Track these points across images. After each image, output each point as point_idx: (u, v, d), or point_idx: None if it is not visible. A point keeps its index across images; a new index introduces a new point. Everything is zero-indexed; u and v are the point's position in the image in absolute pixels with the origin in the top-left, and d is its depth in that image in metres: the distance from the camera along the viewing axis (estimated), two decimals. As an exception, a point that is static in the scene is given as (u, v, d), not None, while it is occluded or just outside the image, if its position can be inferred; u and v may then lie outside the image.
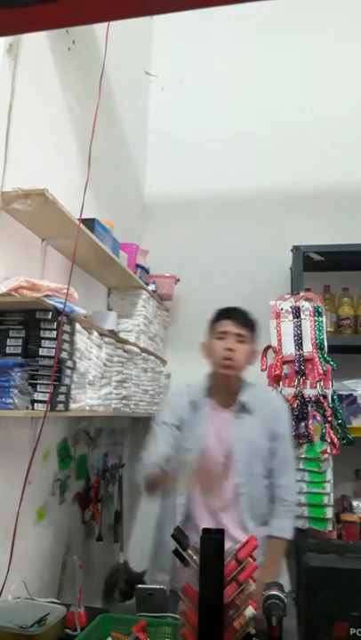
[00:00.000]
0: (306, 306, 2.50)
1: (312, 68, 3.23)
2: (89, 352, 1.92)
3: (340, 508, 2.58)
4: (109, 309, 2.67)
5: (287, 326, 2.50)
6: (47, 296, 1.62)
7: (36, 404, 1.58)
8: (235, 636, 1.32)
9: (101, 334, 2.06)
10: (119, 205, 2.85)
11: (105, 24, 2.16)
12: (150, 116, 3.50)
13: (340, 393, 2.54)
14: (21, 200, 1.62)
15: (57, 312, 1.62)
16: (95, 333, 1.99)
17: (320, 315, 2.49)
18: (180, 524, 1.80)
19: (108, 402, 2.13)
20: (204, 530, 1.35)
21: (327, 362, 2.42)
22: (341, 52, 3.20)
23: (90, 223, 1.99)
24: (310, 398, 2.38)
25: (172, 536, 1.44)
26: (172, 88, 3.46)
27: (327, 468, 2.33)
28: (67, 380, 1.71)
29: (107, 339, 2.12)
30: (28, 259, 1.91)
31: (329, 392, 2.39)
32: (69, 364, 1.73)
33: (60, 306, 1.63)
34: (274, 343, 2.50)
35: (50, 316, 1.62)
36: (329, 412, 2.36)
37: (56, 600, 1.81)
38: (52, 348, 1.61)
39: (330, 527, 2.30)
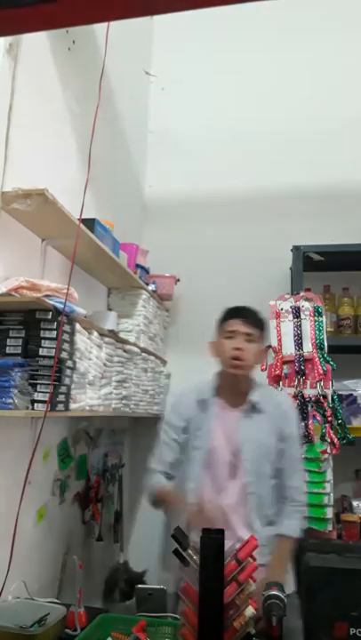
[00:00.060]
0: (306, 306, 2.50)
1: (312, 68, 3.23)
2: (89, 352, 1.92)
3: (340, 508, 2.58)
4: (109, 309, 2.67)
5: (287, 326, 2.50)
6: (47, 296, 1.62)
7: (36, 404, 1.58)
8: (235, 635, 1.33)
9: (101, 334, 2.06)
10: (119, 205, 2.85)
11: (105, 24, 2.15)
12: (150, 116, 3.50)
13: (340, 393, 2.54)
14: (21, 200, 1.62)
15: (57, 312, 1.62)
16: (95, 333, 1.99)
17: (320, 315, 2.49)
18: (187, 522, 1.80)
19: (108, 402, 2.13)
20: (204, 530, 1.35)
21: (327, 362, 2.42)
22: (342, 53, 3.20)
23: (90, 223, 1.99)
24: (310, 398, 2.38)
25: (172, 536, 1.44)
26: (172, 88, 3.46)
27: (327, 468, 2.33)
28: (67, 380, 1.71)
29: (107, 339, 2.12)
30: (28, 259, 1.91)
31: (329, 392, 2.39)
32: (69, 364, 1.73)
33: (60, 306, 1.63)
34: (274, 343, 2.50)
35: (50, 316, 1.62)
36: (329, 412, 2.36)
37: (56, 600, 1.81)
38: (52, 348, 1.61)
39: (330, 527, 2.30)
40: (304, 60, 3.24)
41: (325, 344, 2.46)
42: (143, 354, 2.65)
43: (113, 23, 2.11)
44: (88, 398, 1.92)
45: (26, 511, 1.72)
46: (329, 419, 2.35)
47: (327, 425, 2.34)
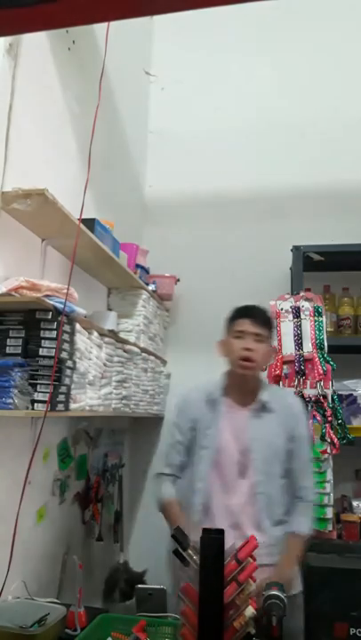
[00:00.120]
0: (306, 306, 2.50)
1: (312, 69, 3.23)
2: (89, 352, 1.92)
3: (340, 508, 2.58)
4: (109, 309, 2.67)
5: (287, 326, 2.50)
6: (47, 296, 1.62)
7: (36, 404, 1.58)
8: (235, 635, 1.33)
9: (101, 334, 2.06)
10: (119, 205, 2.85)
11: (105, 24, 2.15)
12: (150, 116, 3.50)
13: (340, 393, 2.54)
14: (21, 200, 1.62)
15: (57, 312, 1.62)
16: (95, 333, 1.99)
17: (320, 315, 2.49)
18: (196, 522, 1.80)
19: (108, 402, 2.13)
20: (204, 530, 1.35)
21: (327, 362, 2.42)
22: (342, 53, 3.20)
23: (90, 223, 1.99)
24: (310, 398, 2.38)
25: (172, 536, 1.45)
26: (172, 88, 3.46)
27: (327, 468, 2.33)
28: (67, 380, 1.71)
29: (107, 339, 2.12)
30: (28, 259, 1.91)
31: (329, 392, 2.39)
32: (69, 364, 1.73)
33: (60, 306, 1.63)
34: (274, 343, 2.50)
35: (50, 316, 1.62)
36: (329, 412, 2.36)
37: (56, 600, 1.81)
38: (52, 348, 1.61)
39: (330, 527, 2.30)
40: (304, 60, 3.24)
41: (325, 344, 2.46)
42: (143, 354, 2.65)
43: (113, 23, 2.11)
44: (88, 398, 1.92)
45: (26, 511, 1.72)
46: (329, 419, 2.35)
47: (327, 425, 2.34)
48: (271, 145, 3.22)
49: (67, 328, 1.68)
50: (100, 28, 2.30)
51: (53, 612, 1.59)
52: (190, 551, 1.40)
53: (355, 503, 2.57)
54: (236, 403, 1.93)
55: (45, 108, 2.00)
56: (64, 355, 1.67)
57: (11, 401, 1.51)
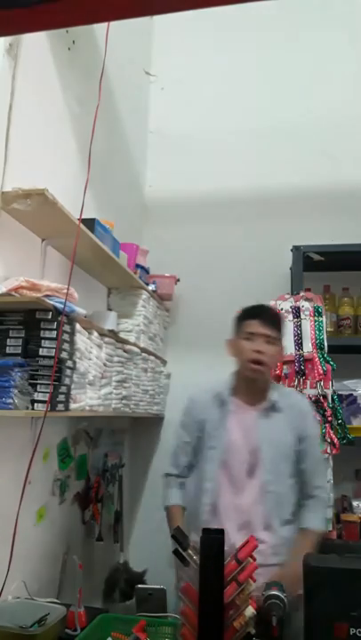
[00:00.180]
0: (306, 306, 2.50)
1: (312, 68, 3.23)
2: (89, 352, 1.92)
3: (340, 508, 2.59)
4: (109, 309, 2.67)
5: (287, 326, 2.50)
6: (47, 296, 1.62)
7: (36, 404, 1.58)
8: (235, 635, 1.33)
9: (101, 334, 2.06)
10: (119, 205, 2.85)
11: (105, 24, 2.15)
12: (150, 116, 3.50)
13: (340, 393, 2.54)
14: (21, 200, 1.62)
15: (57, 312, 1.62)
16: (95, 333, 1.99)
17: (320, 315, 2.49)
18: (204, 521, 1.81)
19: (108, 402, 2.13)
20: (204, 530, 1.36)
21: (327, 362, 2.42)
22: (342, 53, 3.20)
23: (90, 223, 1.99)
24: (310, 398, 2.38)
25: (172, 536, 1.45)
26: (172, 88, 3.46)
27: (327, 468, 2.33)
28: (67, 380, 1.71)
29: (107, 339, 2.12)
30: (28, 259, 1.90)
31: (329, 392, 2.39)
32: (69, 364, 1.73)
33: (60, 306, 1.63)
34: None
35: (50, 316, 1.62)
36: (329, 412, 2.36)
37: (56, 600, 1.81)
38: (52, 348, 1.61)
39: (330, 527, 2.30)
40: (304, 60, 3.24)
41: (325, 344, 2.46)
42: (143, 354, 2.65)
43: (113, 23, 2.11)
44: (88, 398, 1.92)
45: (26, 511, 1.72)
46: (329, 419, 2.35)
47: (327, 425, 2.34)
48: (271, 145, 3.22)
49: (67, 328, 1.68)
50: (100, 28, 2.30)
51: (53, 612, 1.59)
52: (190, 551, 1.40)
53: (355, 503, 2.57)
54: (244, 402, 1.94)
55: (45, 108, 2.00)
56: (64, 355, 1.67)
57: (11, 401, 1.51)
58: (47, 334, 1.62)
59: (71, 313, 1.71)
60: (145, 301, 2.76)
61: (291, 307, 2.52)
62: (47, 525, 2.05)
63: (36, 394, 1.59)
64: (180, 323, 3.27)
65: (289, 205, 3.18)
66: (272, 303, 2.53)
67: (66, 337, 1.68)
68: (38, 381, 1.60)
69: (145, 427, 3.17)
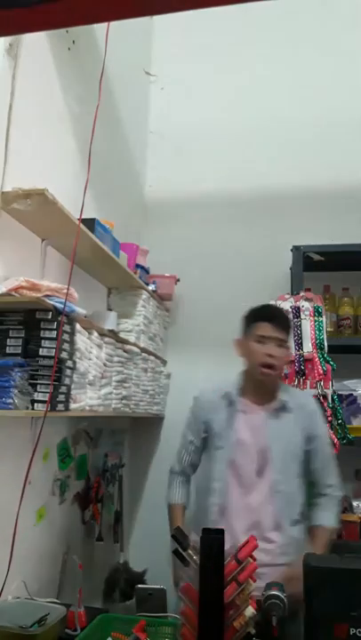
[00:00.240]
0: (306, 306, 2.50)
1: (312, 68, 3.22)
2: (89, 352, 1.92)
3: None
4: (109, 309, 2.67)
5: (287, 326, 2.50)
6: (47, 296, 1.62)
7: (36, 404, 1.58)
8: (235, 635, 1.33)
9: (101, 334, 2.06)
10: (119, 205, 2.85)
11: (105, 24, 2.15)
12: (150, 116, 3.50)
13: (340, 393, 2.54)
14: (21, 200, 1.62)
15: (57, 312, 1.62)
16: (95, 333, 1.99)
17: (320, 315, 2.49)
18: (213, 521, 1.82)
19: (108, 402, 2.13)
20: (204, 530, 1.36)
21: (327, 362, 2.42)
22: (342, 53, 3.20)
23: (90, 223, 1.99)
24: (310, 398, 2.38)
25: (172, 536, 1.45)
26: (172, 88, 3.46)
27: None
28: (67, 380, 1.71)
29: (107, 339, 2.12)
30: (28, 259, 1.90)
31: (329, 392, 2.39)
32: (69, 364, 1.73)
33: (60, 306, 1.63)
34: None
35: (50, 316, 1.62)
36: (329, 412, 2.36)
37: (56, 600, 1.81)
38: (52, 348, 1.61)
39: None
40: (304, 60, 3.24)
41: (325, 344, 2.46)
42: (143, 354, 2.65)
43: (113, 23, 2.11)
44: (88, 398, 1.92)
45: (26, 511, 1.72)
46: (329, 419, 2.35)
47: (327, 425, 2.34)
48: (271, 145, 3.22)
49: (67, 328, 1.68)
50: (100, 28, 2.30)
51: (53, 612, 1.59)
52: (190, 551, 1.40)
53: (355, 503, 2.57)
54: (253, 402, 1.94)
55: (45, 108, 2.00)
56: (64, 355, 1.67)
57: (11, 401, 1.51)
58: (47, 334, 1.62)
59: (71, 313, 1.71)
60: (145, 301, 2.76)
61: (291, 307, 2.52)
62: (47, 525, 2.05)
63: (36, 394, 1.59)
64: (180, 323, 3.27)
65: (289, 205, 3.18)
66: (272, 303, 2.53)
67: (66, 337, 1.68)
68: (38, 381, 1.60)
69: (145, 427, 3.17)
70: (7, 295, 1.57)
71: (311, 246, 2.73)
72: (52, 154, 2.06)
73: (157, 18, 3.25)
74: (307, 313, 2.49)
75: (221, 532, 1.34)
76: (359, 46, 3.20)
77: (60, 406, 1.66)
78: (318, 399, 2.38)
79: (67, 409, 1.72)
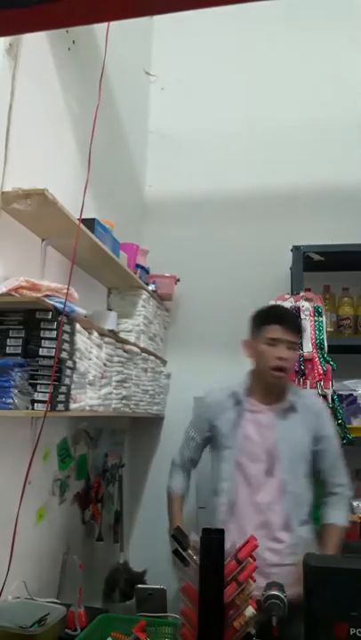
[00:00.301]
0: (306, 306, 2.50)
1: (312, 68, 3.23)
2: (89, 352, 1.92)
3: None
4: (109, 309, 2.67)
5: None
6: (47, 296, 1.62)
7: (36, 404, 1.58)
8: (235, 635, 1.33)
9: (101, 334, 2.06)
10: (119, 205, 2.85)
11: (105, 24, 2.15)
12: (150, 116, 3.50)
13: (340, 393, 2.54)
14: (21, 200, 1.62)
15: (57, 312, 1.62)
16: (95, 333, 1.99)
17: (320, 315, 2.49)
18: (222, 521, 1.83)
19: (108, 402, 2.13)
20: (204, 530, 1.36)
21: (327, 362, 2.42)
22: (342, 52, 3.20)
23: (90, 223, 1.99)
24: (310, 398, 2.38)
25: (172, 536, 1.45)
26: (172, 88, 3.46)
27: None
28: (67, 380, 1.71)
29: (107, 339, 2.12)
30: (28, 259, 1.90)
31: (329, 392, 2.39)
32: (69, 364, 1.73)
33: (60, 306, 1.63)
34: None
35: (50, 316, 1.62)
36: (329, 412, 2.36)
37: (56, 600, 1.81)
38: (52, 348, 1.61)
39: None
40: (304, 60, 3.24)
41: (325, 344, 2.46)
42: (143, 354, 2.65)
43: (113, 23, 2.11)
44: (88, 398, 1.92)
45: (26, 511, 1.72)
46: (329, 419, 2.35)
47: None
48: (271, 145, 3.22)
49: (67, 328, 1.68)
50: (100, 28, 2.30)
51: (53, 612, 1.59)
52: (190, 551, 1.40)
53: (355, 503, 2.56)
54: (260, 403, 1.95)
55: (45, 108, 2.00)
56: (64, 355, 1.67)
57: (11, 401, 1.51)
58: (47, 334, 1.62)
59: (71, 313, 1.71)
60: (145, 301, 2.76)
61: (291, 307, 2.52)
62: (47, 525, 2.05)
63: (36, 394, 1.59)
64: (180, 323, 3.27)
65: (289, 205, 3.18)
66: (272, 303, 2.53)
67: (66, 337, 1.68)
68: (38, 381, 1.60)
69: (145, 427, 3.17)
70: (7, 295, 1.57)
71: (311, 246, 2.73)
72: (52, 154, 2.06)
73: (157, 18, 3.26)
74: (307, 313, 2.49)
75: (221, 531, 1.34)
76: (359, 47, 3.20)
77: (60, 406, 1.66)
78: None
79: (67, 409, 1.71)
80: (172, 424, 3.01)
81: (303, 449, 1.89)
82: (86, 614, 1.69)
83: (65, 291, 1.69)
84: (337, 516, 1.89)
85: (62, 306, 1.63)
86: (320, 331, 2.47)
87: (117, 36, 2.34)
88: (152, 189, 3.42)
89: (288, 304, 2.52)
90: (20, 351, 1.61)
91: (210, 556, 1.31)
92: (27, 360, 1.60)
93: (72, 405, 1.76)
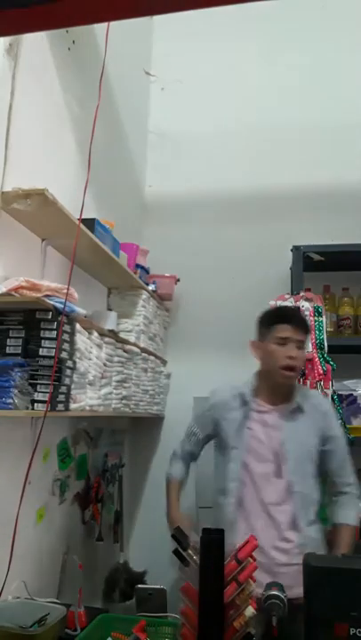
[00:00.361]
0: (306, 306, 2.50)
1: (312, 68, 3.23)
2: (89, 352, 1.92)
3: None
4: (109, 309, 2.67)
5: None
6: (47, 296, 1.62)
7: (36, 404, 1.58)
8: (235, 635, 1.32)
9: (101, 334, 2.06)
10: (119, 205, 2.85)
11: (105, 24, 2.15)
12: (150, 116, 3.50)
13: (340, 393, 2.54)
14: (21, 200, 1.62)
15: (57, 312, 1.62)
16: (95, 333, 1.99)
17: (320, 315, 2.49)
18: (229, 521, 1.83)
19: (108, 402, 2.13)
20: (204, 530, 1.35)
21: (327, 362, 2.42)
22: (342, 52, 3.20)
23: (90, 223, 1.99)
24: (310, 398, 2.38)
25: (172, 536, 1.45)
26: (172, 88, 3.46)
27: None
28: (67, 380, 1.71)
29: (107, 339, 2.12)
30: (28, 259, 1.90)
31: (329, 392, 2.39)
32: (69, 364, 1.73)
33: (60, 306, 1.63)
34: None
35: (50, 316, 1.62)
36: (329, 412, 2.36)
37: (56, 600, 1.81)
38: (52, 348, 1.61)
39: (330, 527, 2.30)
40: (304, 60, 3.24)
41: (325, 344, 2.46)
42: (143, 354, 2.65)
43: (113, 23, 2.11)
44: (88, 398, 1.92)
45: (26, 511, 1.72)
46: (329, 419, 2.35)
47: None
48: (271, 144, 3.22)
49: (67, 328, 1.68)
50: (100, 28, 2.30)
51: (53, 612, 1.59)
52: (190, 551, 1.40)
53: (355, 503, 2.57)
54: (267, 403, 1.95)
55: (45, 108, 2.00)
56: (64, 355, 1.67)
57: (11, 401, 1.50)
58: (47, 334, 1.62)
59: (71, 313, 1.71)
60: (145, 301, 2.76)
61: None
62: (47, 525, 2.05)
63: (36, 394, 1.59)
64: (180, 323, 3.27)
65: (289, 205, 3.18)
66: (272, 303, 2.53)
67: (66, 337, 1.68)
68: (38, 381, 1.60)
69: (145, 427, 3.17)
70: (7, 295, 1.57)
71: (311, 246, 2.73)
72: (52, 154, 2.06)
73: (157, 18, 3.26)
74: (307, 313, 2.49)
75: (221, 531, 1.34)
76: (359, 47, 3.20)
77: (60, 406, 1.66)
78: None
79: (67, 409, 1.72)
80: (172, 424, 3.01)
81: (310, 449, 1.90)
82: (86, 614, 1.69)
83: (65, 291, 1.69)
84: (348, 515, 1.89)
85: (62, 306, 1.63)
86: (320, 331, 2.47)
87: (117, 36, 2.33)
88: (152, 189, 3.42)
89: (288, 304, 2.52)
90: (20, 351, 1.61)
91: (210, 556, 1.31)
92: (27, 360, 1.60)
93: (72, 405, 1.76)
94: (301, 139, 3.18)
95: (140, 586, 1.88)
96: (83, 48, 2.26)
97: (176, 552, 1.40)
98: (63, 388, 1.68)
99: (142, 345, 2.65)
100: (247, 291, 3.00)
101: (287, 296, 2.57)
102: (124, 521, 2.93)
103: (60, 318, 1.62)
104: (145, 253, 2.91)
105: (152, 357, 2.83)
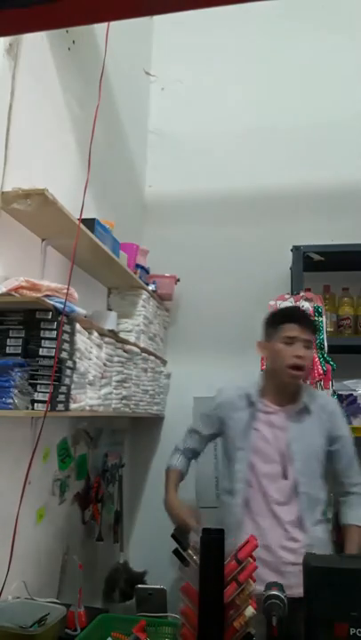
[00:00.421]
0: (306, 306, 2.50)
1: (313, 68, 3.23)
2: (89, 352, 1.92)
3: (340, 507, 2.58)
4: (109, 309, 2.67)
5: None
6: (47, 296, 1.62)
7: (36, 404, 1.58)
8: (235, 635, 1.32)
9: (101, 334, 2.06)
10: (119, 205, 2.85)
11: (105, 24, 2.15)
12: (150, 116, 3.50)
13: (340, 393, 2.54)
14: (21, 200, 1.62)
15: (57, 312, 1.62)
16: (95, 333, 1.99)
17: (320, 315, 2.49)
18: (236, 522, 1.84)
19: (108, 402, 2.13)
20: (204, 530, 1.35)
21: (327, 362, 2.42)
22: (341, 52, 3.20)
23: (90, 223, 1.99)
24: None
25: (172, 536, 1.45)
26: (172, 88, 3.46)
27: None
28: (67, 380, 1.71)
29: (107, 339, 2.12)
30: (28, 259, 1.90)
31: (329, 392, 2.39)
32: (69, 364, 1.73)
33: (60, 306, 1.63)
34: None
35: (50, 316, 1.62)
36: (329, 412, 2.36)
37: (56, 600, 1.81)
38: (52, 348, 1.61)
39: (330, 527, 2.30)
40: (304, 60, 3.24)
41: (325, 344, 2.46)
42: (143, 354, 2.65)
43: (113, 23, 2.11)
44: (88, 398, 1.92)
45: (26, 511, 1.72)
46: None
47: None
48: (271, 145, 3.22)
49: (67, 328, 1.68)
50: (100, 28, 2.30)
51: (53, 612, 1.59)
52: (190, 551, 1.40)
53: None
54: (274, 404, 1.95)
55: (45, 108, 1.99)
56: (64, 355, 1.67)
57: (11, 401, 1.50)
58: (47, 334, 1.62)
59: (71, 313, 1.71)
60: (145, 301, 2.76)
61: (291, 307, 2.52)
62: (47, 525, 2.05)
63: (36, 394, 1.59)
64: (180, 323, 3.27)
65: (289, 205, 3.18)
66: (272, 303, 2.53)
67: (66, 337, 1.68)
68: (38, 381, 1.60)
69: (145, 427, 3.17)
70: (7, 295, 1.57)
71: (311, 246, 2.73)
72: (52, 154, 2.06)
73: (157, 18, 3.26)
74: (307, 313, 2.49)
75: (221, 531, 1.34)
76: (359, 46, 3.20)
77: (60, 406, 1.66)
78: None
79: (67, 409, 1.71)
80: (172, 424, 3.01)
81: (317, 450, 1.90)
82: (86, 614, 1.69)
83: (65, 291, 1.69)
84: (357, 516, 1.90)
85: (62, 306, 1.63)
86: (320, 331, 2.47)
87: (117, 36, 2.34)
88: (152, 189, 3.42)
89: (288, 304, 2.52)
90: (20, 351, 1.61)
91: (210, 556, 1.31)
92: (27, 360, 1.60)
93: (72, 405, 1.76)
94: (301, 139, 3.18)
95: (140, 586, 1.88)
96: (83, 48, 2.26)
97: (176, 552, 1.40)
98: (63, 388, 1.68)
99: (142, 345, 2.65)
100: (247, 291, 3.00)
101: (287, 296, 2.57)
102: (124, 521, 2.93)
103: (60, 318, 1.62)
104: (145, 253, 2.91)
105: (152, 357, 2.83)
